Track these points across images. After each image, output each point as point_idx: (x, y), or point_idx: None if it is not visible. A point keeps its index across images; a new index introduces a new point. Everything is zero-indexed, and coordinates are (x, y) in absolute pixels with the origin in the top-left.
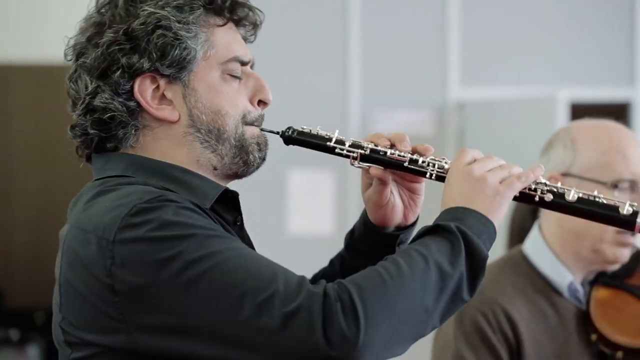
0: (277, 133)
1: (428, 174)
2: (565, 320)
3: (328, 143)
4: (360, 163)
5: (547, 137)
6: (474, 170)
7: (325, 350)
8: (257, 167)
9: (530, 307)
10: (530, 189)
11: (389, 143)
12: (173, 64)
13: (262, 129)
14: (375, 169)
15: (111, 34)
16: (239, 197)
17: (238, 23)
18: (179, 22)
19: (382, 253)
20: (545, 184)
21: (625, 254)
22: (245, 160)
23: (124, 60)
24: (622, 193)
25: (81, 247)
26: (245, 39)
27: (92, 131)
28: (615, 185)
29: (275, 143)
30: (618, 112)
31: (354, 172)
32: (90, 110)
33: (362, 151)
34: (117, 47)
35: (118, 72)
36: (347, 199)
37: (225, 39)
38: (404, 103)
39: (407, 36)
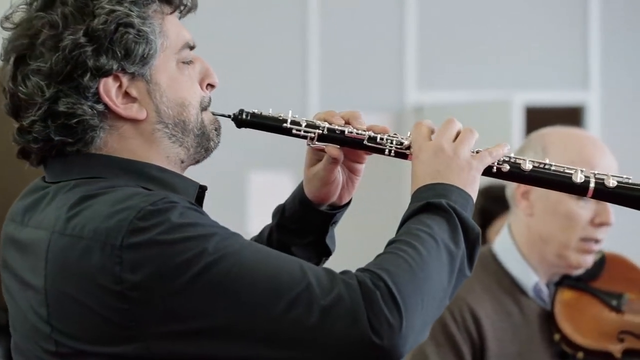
0: (229, 116)
1: (387, 150)
2: (529, 319)
3: (284, 124)
4: (317, 143)
5: (502, 139)
6: (443, 144)
7: (371, 339)
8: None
9: (496, 305)
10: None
11: (343, 121)
12: (137, 61)
13: (213, 113)
14: (333, 148)
15: (71, 37)
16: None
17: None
18: (138, 17)
19: (314, 231)
20: (503, 159)
21: (588, 260)
22: (206, 147)
23: (90, 63)
24: (587, 202)
25: (78, 255)
26: None
27: (57, 138)
28: None
29: (235, 145)
30: (572, 115)
31: None
32: (52, 116)
33: (320, 131)
34: (81, 50)
35: (86, 76)
36: None
37: (173, 26)
38: (362, 107)
39: (365, 41)
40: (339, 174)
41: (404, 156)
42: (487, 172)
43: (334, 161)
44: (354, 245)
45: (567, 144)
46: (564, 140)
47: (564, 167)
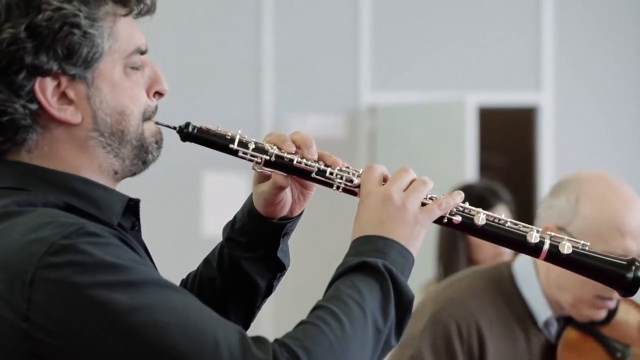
0: (174, 128)
1: (335, 186)
2: (533, 351)
3: (230, 145)
4: (264, 168)
5: (456, 140)
6: (392, 193)
7: None
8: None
9: (504, 330)
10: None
11: (294, 148)
12: (80, 64)
13: (157, 123)
14: (279, 176)
15: (11, 29)
16: (142, 201)
17: (138, 12)
18: (87, 17)
19: (264, 244)
20: (457, 209)
21: (601, 315)
22: (144, 160)
23: (28, 60)
24: None
25: None
26: None
27: None
28: None
29: (190, 145)
30: (525, 116)
31: None
32: None
33: (267, 157)
34: (19, 46)
35: (22, 73)
36: None
37: (126, 29)
38: (316, 107)
39: (319, 41)
40: (287, 194)
41: (352, 193)
42: (438, 221)
43: (280, 188)
44: (314, 257)
45: (600, 201)
46: (598, 195)
47: (519, 224)
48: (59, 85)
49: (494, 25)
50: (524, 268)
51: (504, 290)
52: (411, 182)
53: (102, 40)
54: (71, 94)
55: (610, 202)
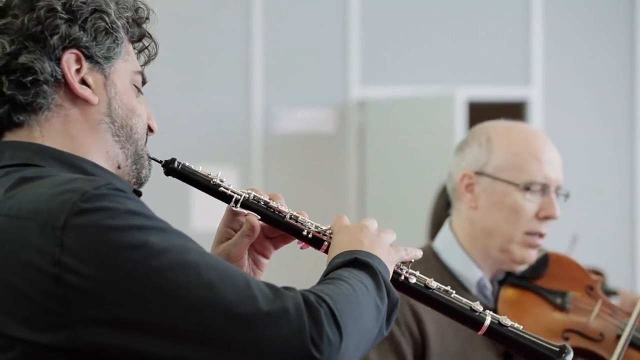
0: (160, 162)
1: (305, 231)
2: None
3: (212, 181)
4: (239, 208)
5: (445, 134)
6: (368, 225)
7: (311, 352)
8: (139, 187)
9: None
10: (399, 267)
11: (268, 197)
12: (102, 51)
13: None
14: (253, 217)
15: (48, 2)
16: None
17: (140, 49)
18: (115, 14)
19: None
20: (412, 272)
21: (532, 255)
22: (139, 173)
23: (63, 28)
24: (534, 195)
25: (13, 235)
26: None
27: (8, 92)
28: (527, 188)
29: (180, 139)
30: (514, 110)
31: (258, 168)
32: (9, 72)
33: (246, 195)
34: (56, 14)
35: (56, 37)
36: None
37: (133, 52)
38: (305, 101)
39: (309, 35)
40: (246, 259)
41: (319, 242)
42: (394, 281)
43: (249, 235)
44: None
45: (512, 136)
46: (509, 132)
47: (463, 299)
48: (79, 70)
49: (483, 19)
50: (444, 239)
51: (430, 267)
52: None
53: (122, 41)
54: (89, 79)
55: (521, 133)
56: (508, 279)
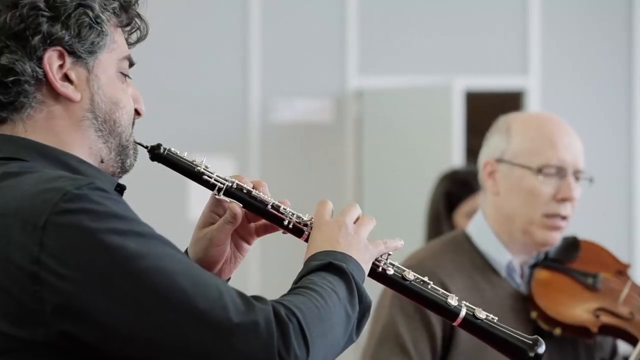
0: (146, 147)
1: (287, 221)
2: (501, 298)
3: (197, 168)
4: (223, 196)
5: (443, 124)
6: (346, 221)
7: None
8: (124, 173)
9: (468, 282)
10: (378, 260)
11: (251, 185)
12: (86, 46)
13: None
14: (236, 205)
15: (31, 0)
16: (131, 187)
17: (130, 30)
18: (100, 6)
19: None
20: (391, 262)
21: (554, 237)
22: (123, 163)
23: (45, 27)
24: (549, 178)
25: None
26: None
27: None
28: (540, 170)
29: (178, 128)
30: (512, 100)
31: (256, 158)
32: None
33: (229, 184)
34: (38, 12)
35: (37, 37)
36: None
37: (121, 37)
38: (303, 91)
39: (307, 25)
40: (229, 240)
41: (299, 232)
42: (373, 272)
43: (232, 222)
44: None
45: (529, 123)
46: (526, 120)
47: (440, 290)
48: (62, 65)
49: (481, 9)
50: (476, 224)
51: (461, 249)
52: (358, 217)
53: (106, 34)
54: (72, 75)
55: (537, 119)
56: (541, 262)
